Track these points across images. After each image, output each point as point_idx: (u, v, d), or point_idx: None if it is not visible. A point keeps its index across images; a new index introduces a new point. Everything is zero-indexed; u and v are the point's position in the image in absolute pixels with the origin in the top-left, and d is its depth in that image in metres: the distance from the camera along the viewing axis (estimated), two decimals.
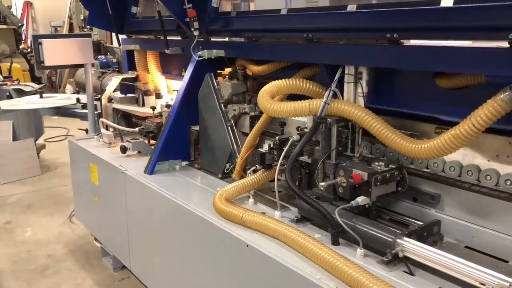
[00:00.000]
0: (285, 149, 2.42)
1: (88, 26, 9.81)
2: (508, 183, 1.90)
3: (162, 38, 3.41)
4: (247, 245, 2.13)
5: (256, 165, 2.62)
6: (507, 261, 1.91)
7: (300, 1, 3.42)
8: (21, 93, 6.73)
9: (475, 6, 1.67)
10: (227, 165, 3.03)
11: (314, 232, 2.17)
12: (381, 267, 1.86)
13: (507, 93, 1.64)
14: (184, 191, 2.80)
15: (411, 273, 1.82)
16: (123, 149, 3.53)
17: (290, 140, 2.44)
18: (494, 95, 1.69)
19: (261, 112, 2.86)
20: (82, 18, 12.25)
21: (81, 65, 4.39)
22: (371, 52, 2.12)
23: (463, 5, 1.71)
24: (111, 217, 3.60)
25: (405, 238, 1.86)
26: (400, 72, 2.20)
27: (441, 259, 1.74)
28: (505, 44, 1.65)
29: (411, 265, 1.84)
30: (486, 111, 1.68)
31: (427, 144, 1.89)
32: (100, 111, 4.37)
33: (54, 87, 14.32)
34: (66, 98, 5.70)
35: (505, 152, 1.93)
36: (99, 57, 5.24)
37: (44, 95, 5.79)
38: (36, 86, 7.10)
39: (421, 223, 2.08)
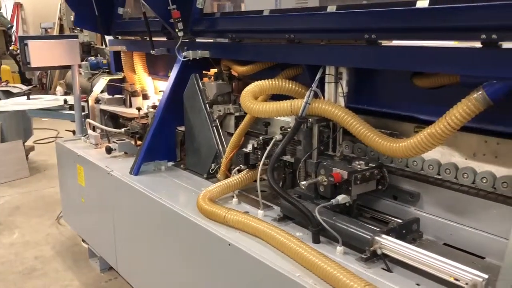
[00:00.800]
0: (268, 148, 2.44)
1: (78, 28, 9.77)
2: (484, 181, 1.93)
3: (148, 39, 3.42)
4: (229, 244, 2.15)
5: (241, 165, 2.64)
6: (483, 258, 1.94)
7: (291, 2, 3.43)
8: (9, 94, 6.71)
9: (449, 7, 1.70)
10: (213, 165, 3.04)
11: (296, 231, 2.20)
12: (360, 264, 1.88)
13: (480, 92, 1.67)
14: (169, 192, 2.81)
15: (389, 270, 1.84)
16: (108, 150, 3.53)
17: (273, 140, 2.46)
18: (469, 94, 1.72)
19: (246, 113, 2.89)
20: (72, 19, 12.19)
21: (68, 66, 4.38)
22: (350, 52, 2.15)
23: (437, 6, 1.74)
24: (98, 218, 3.61)
25: (383, 236, 1.89)
26: (380, 72, 2.23)
27: (418, 256, 1.77)
28: (478, 45, 1.68)
29: (389, 262, 1.86)
30: (460, 110, 1.71)
31: (404, 142, 1.91)
32: (87, 112, 4.37)
33: (45, 89, 14.27)
34: (53, 99, 5.69)
35: (481, 150, 1.96)
36: (89, 58, 5.23)
37: (31, 96, 5.77)
38: (25, 88, 7.07)
39: (400, 221, 2.11)
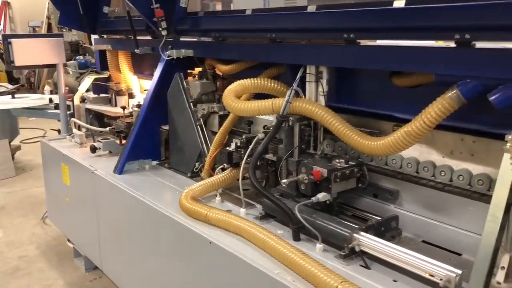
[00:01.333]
0: (250, 147, 2.46)
1: (66, 27, 9.69)
2: (461, 179, 1.96)
3: (132, 38, 3.41)
4: (210, 242, 2.16)
5: (224, 164, 2.65)
6: (460, 254, 1.97)
7: (279, 1, 3.45)
8: None
9: (423, 7, 1.73)
10: (197, 164, 3.05)
11: (277, 229, 2.21)
12: (338, 261, 1.90)
13: (454, 91, 1.70)
14: (152, 191, 2.81)
15: (367, 267, 1.87)
16: (93, 149, 3.52)
17: (255, 139, 2.47)
18: (444, 93, 1.75)
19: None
20: None
21: (53, 65, 4.36)
22: (330, 52, 2.17)
23: (413, 6, 1.76)
24: (82, 218, 3.59)
25: (362, 233, 1.91)
26: (359, 72, 2.26)
27: (395, 252, 1.79)
28: (452, 44, 1.71)
29: (368, 259, 1.89)
30: (436, 109, 1.74)
31: (382, 141, 1.94)
32: (73, 111, 4.35)
33: (33, 88, 14.15)
34: (38, 98, 5.65)
35: (458, 148, 1.99)
36: (77, 57, 5.21)
37: (16, 95, 5.73)
38: (10, 87, 7.01)
39: (379, 218, 2.13)
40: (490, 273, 1.58)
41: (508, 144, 1.56)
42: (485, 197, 1.89)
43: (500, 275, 1.69)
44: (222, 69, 2.99)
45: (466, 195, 1.94)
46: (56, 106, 4.91)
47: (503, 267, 1.69)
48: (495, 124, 1.79)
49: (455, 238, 2.00)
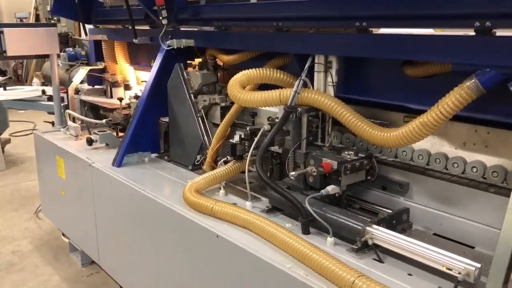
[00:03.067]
0: (256, 139, 2.40)
1: (55, 18, 9.51)
2: (475, 171, 1.93)
3: (130, 27, 3.33)
4: (217, 236, 2.10)
5: (227, 156, 2.60)
6: (473, 247, 1.95)
7: None
8: None
9: None
10: (198, 156, 2.99)
11: (285, 222, 2.16)
12: (351, 255, 1.86)
13: (473, 81, 1.66)
14: (153, 184, 2.75)
15: (380, 261, 1.83)
16: (89, 142, 3.44)
17: (261, 130, 2.42)
18: (461, 83, 1.71)
19: (232, 103, 2.84)
20: (48, 9, 11.88)
21: (46, 56, 4.25)
22: (340, 41, 2.12)
23: None
24: (79, 211, 3.51)
25: (374, 226, 1.87)
26: (369, 61, 2.21)
27: (410, 245, 1.75)
28: (471, 32, 1.66)
29: (381, 253, 1.85)
30: (453, 99, 1.70)
31: (395, 132, 1.89)
32: (66, 103, 4.25)
33: (21, 80, 13.91)
34: (31, 90, 5.52)
35: (471, 140, 1.96)
36: (67, 49, 5.09)
37: (8, 87, 5.59)
38: (0, 79, 6.86)
39: (390, 211, 2.09)
40: (511, 266, 1.55)
41: None
42: (500, 189, 1.87)
43: None
44: (224, 59, 2.92)
45: (480, 187, 1.91)
46: (50, 98, 4.80)
47: None
48: None
49: (468, 230, 1.97)
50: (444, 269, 1.64)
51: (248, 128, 2.56)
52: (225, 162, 2.63)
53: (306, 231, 2.05)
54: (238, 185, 2.68)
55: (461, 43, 1.69)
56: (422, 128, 1.80)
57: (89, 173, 3.19)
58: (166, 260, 2.55)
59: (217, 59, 3.05)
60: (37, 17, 13.27)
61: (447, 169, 2.03)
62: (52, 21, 11.30)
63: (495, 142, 1.88)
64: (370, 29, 1.98)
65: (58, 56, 4.35)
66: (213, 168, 2.78)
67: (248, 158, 2.40)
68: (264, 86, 2.46)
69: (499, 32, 1.61)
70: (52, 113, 4.44)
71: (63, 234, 4.09)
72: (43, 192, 4.25)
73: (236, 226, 2.14)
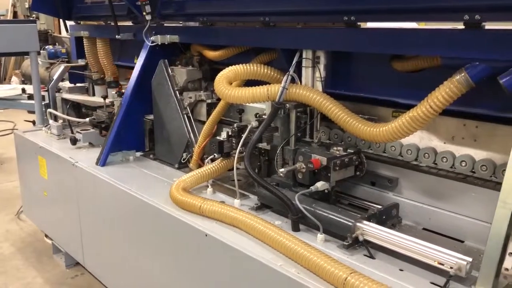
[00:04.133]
0: (244, 136, 2.37)
1: (34, 15, 9.31)
2: (463, 165, 1.93)
3: (113, 23, 3.26)
4: (206, 235, 2.07)
5: (214, 154, 2.56)
6: (462, 241, 1.95)
7: None
8: None
9: None
10: (184, 154, 2.94)
11: (275, 219, 2.14)
12: (342, 252, 1.85)
13: (462, 74, 1.66)
14: (138, 183, 2.70)
15: (371, 257, 1.82)
16: (73, 141, 3.37)
17: (249, 127, 2.39)
18: (450, 77, 1.70)
19: (218, 100, 2.80)
20: (27, 6, 11.63)
21: (26, 53, 4.14)
22: (328, 35, 2.10)
23: None
24: (62, 212, 3.44)
25: (365, 222, 1.86)
26: (358, 56, 2.19)
27: (401, 241, 1.75)
28: (460, 26, 1.66)
29: (371, 249, 1.84)
30: (443, 93, 1.69)
31: (385, 127, 1.88)
32: (48, 101, 4.15)
33: None
34: (10, 88, 5.39)
35: (460, 134, 1.96)
36: (46, 47, 4.99)
37: None
38: None
39: (379, 206, 2.09)
40: (502, 260, 1.55)
41: None
42: (489, 183, 1.87)
43: (508, 262, 1.66)
44: (210, 55, 2.88)
45: (468, 181, 1.92)
46: (30, 97, 4.69)
47: (510, 253, 1.67)
48: (501, 108, 1.76)
49: (457, 225, 1.97)
50: (435, 264, 1.64)
51: (235, 125, 2.53)
52: (212, 160, 2.60)
53: (296, 228, 2.03)
54: (226, 183, 2.64)
55: (450, 37, 1.69)
56: (412, 123, 1.79)
57: (73, 173, 3.12)
58: (153, 260, 2.50)
59: (202, 55, 3.00)
60: (14, 14, 12.98)
61: (436, 164, 2.03)
62: (31, 18, 11.09)
63: (484, 136, 1.89)
64: (359, 23, 1.97)
65: (38, 53, 4.24)
66: (199, 166, 2.74)
67: (236, 155, 2.37)
68: (251, 83, 2.43)
69: (488, 26, 1.60)
70: (33, 112, 4.34)
71: (46, 236, 4.01)
72: (25, 193, 4.16)
73: (225, 224, 2.11)
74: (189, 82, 3.00)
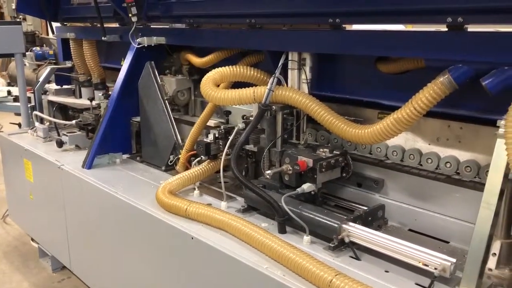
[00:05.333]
0: (231, 138, 2.36)
1: (21, 16, 9.21)
2: (448, 166, 1.94)
3: (99, 25, 3.24)
4: (192, 238, 2.06)
5: (201, 156, 2.55)
6: (448, 242, 1.96)
7: None
8: None
9: None
10: (171, 157, 2.93)
11: (261, 221, 2.14)
12: (328, 253, 1.85)
13: (446, 76, 1.67)
14: (125, 185, 2.68)
15: (357, 258, 1.82)
16: (59, 143, 3.34)
17: (236, 129, 2.39)
18: (434, 78, 1.71)
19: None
20: (13, 7, 11.50)
21: (11, 55, 4.10)
22: (314, 37, 2.10)
23: None
24: (49, 215, 3.40)
25: (351, 223, 1.86)
26: (343, 58, 2.20)
27: (386, 242, 1.75)
28: (443, 28, 1.67)
29: (357, 250, 1.84)
30: (427, 95, 1.70)
31: (370, 129, 1.89)
32: (34, 103, 4.11)
33: None
34: None
35: (444, 135, 1.97)
36: (34, 48, 4.93)
37: None
38: None
39: (366, 208, 2.09)
40: (485, 261, 1.56)
41: (501, 129, 1.54)
42: (473, 184, 1.89)
43: (491, 262, 1.68)
44: (196, 62, 2.85)
45: (453, 182, 1.93)
46: (16, 99, 4.63)
47: (494, 254, 1.68)
48: (484, 110, 1.77)
49: (442, 225, 1.98)
50: (420, 265, 1.65)
51: (222, 126, 2.52)
52: (199, 162, 2.59)
53: (282, 230, 2.03)
54: (213, 185, 2.64)
55: (433, 39, 1.70)
56: (396, 125, 1.79)
57: (59, 176, 3.09)
58: (140, 263, 2.48)
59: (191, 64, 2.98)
60: (1, 15, 12.85)
61: (421, 165, 2.04)
62: (18, 19, 10.97)
63: (468, 137, 1.90)
64: (344, 25, 1.97)
65: (24, 55, 4.20)
66: (187, 168, 2.72)
67: (222, 157, 2.36)
68: (238, 85, 2.42)
69: (471, 28, 1.62)
70: (19, 114, 4.29)
71: (32, 239, 3.96)
72: (11, 196, 4.11)
73: (212, 227, 2.10)
74: (178, 92, 2.99)
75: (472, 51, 1.60)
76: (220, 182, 2.34)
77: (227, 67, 2.34)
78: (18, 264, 3.98)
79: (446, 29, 1.66)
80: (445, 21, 1.62)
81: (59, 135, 3.56)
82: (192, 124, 2.86)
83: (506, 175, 1.54)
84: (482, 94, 1.62)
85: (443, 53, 1.67)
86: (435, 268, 1.59)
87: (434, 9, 1.66)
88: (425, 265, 1.63)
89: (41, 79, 4.03)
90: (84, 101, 3.81)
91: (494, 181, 1.56)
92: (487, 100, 1.69)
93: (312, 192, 2.11)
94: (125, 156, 3.17)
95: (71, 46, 3.96)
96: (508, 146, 1.49)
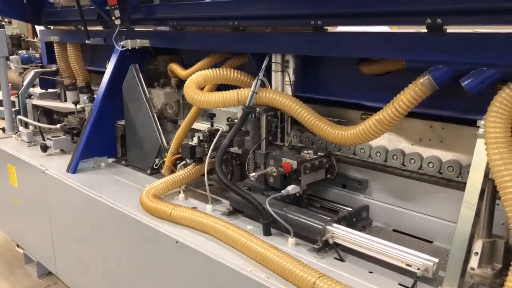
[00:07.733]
0: (214, 140, 2.36)
1: (6, 19, 9.11)
2: (431, 166, 1.95)
3: (83, 28, 3.21)
4: (176, 242, 2.04)
5: (186, 159, 2.54)
6: (431, 242, 1.97)
7: None
8: None
9: None
10: (156, 160, 2.91)
11: (246, 224, 2.13)
12: (312, 255, 1.85)
13: (426, 77, 1.68)
14: (110, 190, 2.66)
15: (341, 259, 1.82)
16: (44, 148, 3.31)
17: (219, 131, 2.38)
18: (415, 79, 1.72)
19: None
20: None
21: None
22: (297, 39, 2.11)
23: None
24: (33, 221, 3.37)
25: (335, 225, 1.87)
26: (326, 60, 2.20)
27: (370, 243, 1.75)
28: (423, 29, 1.68)
29: (342, 251, 1.84)
30: (408, 95, 1.71)
31: (352, 130, 1.89)
32: (18, 108, 4.07)
33: None
34: None
35: (427, 135, 1.98)
36: (19, 52, 4.88)
37: None
38: None
39: (350, 209, 2.09)
40: (467, 260, 1.57)
41: (481, 130, 1.55)
42: (455, 184, 1.90)
43: (473, 261, 1.69)
44: (182, 74, 2.82)
45: (436, 182, 1.94)
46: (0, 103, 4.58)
47: (476, 253, 1.70)
48: (465, 110, 1.78)
49: (426, 225, 1.99)
50: (403, 265, 1.65)
51: (206, 129, 2.51)
52: (184, 165, 2.58)
53: (267, 233, 2.02)
54: (199, 188, 2.63)
55: (413, 40, 1.71)
56: (378, 126, 1.80)
57: (43, 180, 3.06)
58: (126, 268, 2.47)
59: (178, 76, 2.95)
60: None
61: (404, 165, 2.05)
62: (3, 23, 10.84)
63: (450, 137, 1.91)
64: (326, 27, 1.98)
65: (8, 58, 4.15)
66: (172, 171, 2.71)
67: (207, 160, 2.36)
68: (222, 87, 2.42)
69: (450, 29, 1.63)
70: (2, 119, 4.24)
71: (18, 245, 3.92)
72: None
73: (196, 231, 2.09)
74: (166, 104, 2.98)
75: (451, 52, 1.61)
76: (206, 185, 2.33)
77: (210, 69, 2.34)
78: (3, 271, 3.93)
79: (426, 30, 1.67)
80: (424, 22, 1.62)
81: (43, 139, 3.52)
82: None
83: (486, 175, 1.56)
84: (463, 95, 1.63)
85: (423, 54, 1.68)
86: (418, 268, 1.60)
87: (413, 10, 1.67)
88: (408, 265, 1.63)
89: (25, 83, 3.99)
90: (69, 105, 3.78)
91: (475, 180, 1.57)
92: (468, 101, 1.70)
93: (297, 194, 2.11)
94: (110, 160, 3.14)
95: (55, 49, 3.93)
96: (488, 146, 1.51)
